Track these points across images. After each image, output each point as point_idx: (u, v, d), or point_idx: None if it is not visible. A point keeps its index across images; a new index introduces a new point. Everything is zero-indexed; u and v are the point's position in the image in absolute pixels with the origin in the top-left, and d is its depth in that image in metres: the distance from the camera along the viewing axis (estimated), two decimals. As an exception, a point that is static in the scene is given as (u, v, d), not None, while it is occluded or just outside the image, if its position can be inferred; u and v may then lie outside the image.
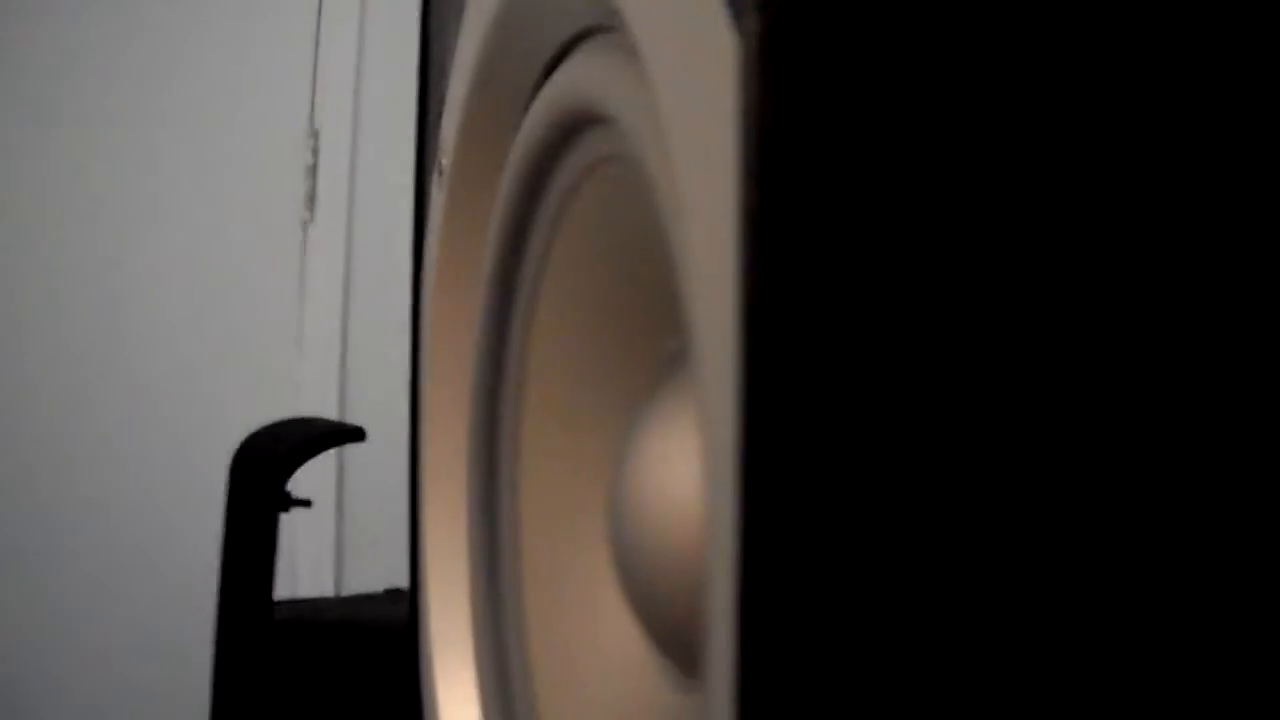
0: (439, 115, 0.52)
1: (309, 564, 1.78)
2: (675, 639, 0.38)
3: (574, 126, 0.38)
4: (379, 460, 1.62)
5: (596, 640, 0.42)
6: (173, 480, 1.74)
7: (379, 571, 1.46)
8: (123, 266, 1.79)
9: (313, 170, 1.85)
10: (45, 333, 1.77)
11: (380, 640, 1.01)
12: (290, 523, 1.31)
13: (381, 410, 1.57)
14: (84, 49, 1.81)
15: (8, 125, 1.79)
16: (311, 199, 1.85)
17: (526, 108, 0.43)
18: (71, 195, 1.79)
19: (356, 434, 1.03)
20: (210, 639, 0.96)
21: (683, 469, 0.38)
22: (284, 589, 1.54)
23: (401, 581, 1.15)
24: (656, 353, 0.39)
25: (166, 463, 1.76)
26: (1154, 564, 0.21)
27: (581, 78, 0.37)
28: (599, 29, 0.36)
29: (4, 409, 1.75)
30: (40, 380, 1.76)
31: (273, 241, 1.84)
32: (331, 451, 1.62)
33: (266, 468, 0.98)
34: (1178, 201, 0.21)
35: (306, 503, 1.03)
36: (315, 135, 1.85)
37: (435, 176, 0.50)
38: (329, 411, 1.78)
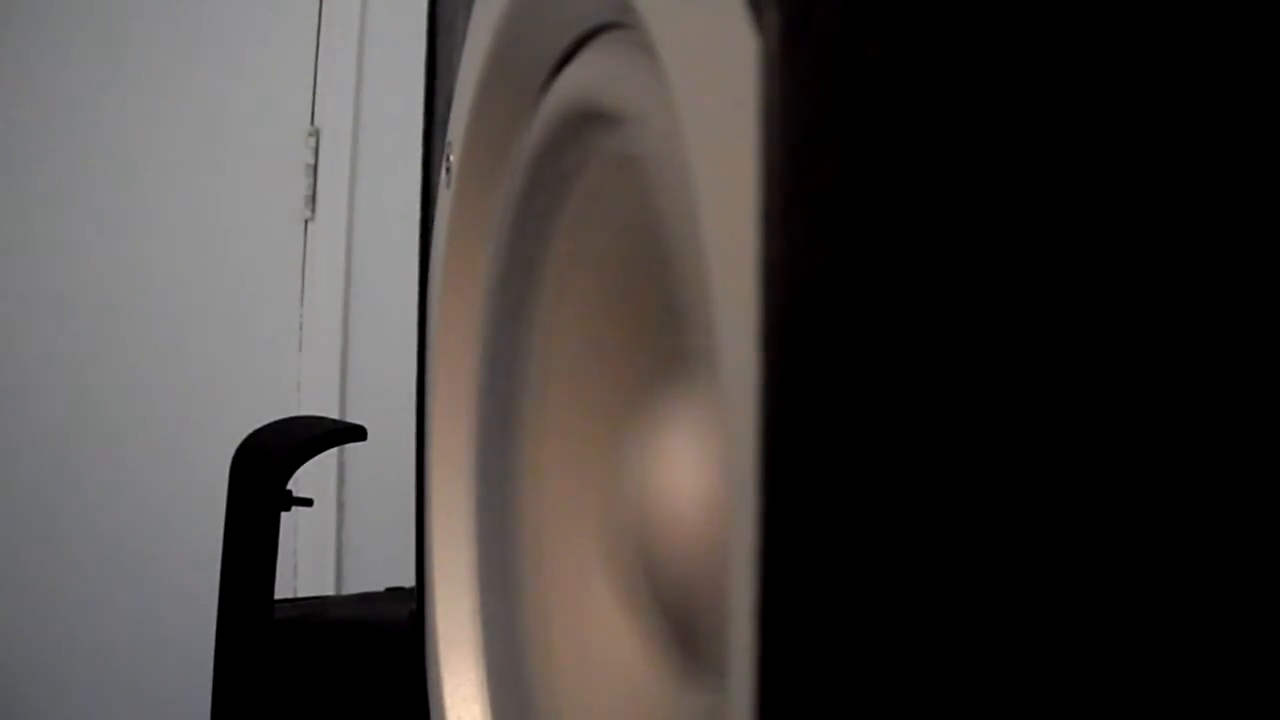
0: (445, 111, 0.51)
1: (310, 563, 1.78)
2: (681, 639, 0.38)
3: (584, 124, 0.38)
4: (380, 459, 1.62)
5: (603, 638, 0.42)
6: (174, 479, 1.74)
7: (380, 570, 1.46)
8: (123, 265, 1.79)
9: (313, 169, 1.85)
10: (46, 332, 1.77)
11: (381, 639, 1.00)
12: (291, 521, 1.31)
13: (382, 409, 1.57)
14: (84, 48, 1.81)
15: (8, 125, 1.79)
16: (312, 198, 1.85)
17: (536, 105, 0.43)
18: (72, 195, 1.79)
19: (358, 433, 1.03)
20: (211, 638, 0.96)
21: (692, 469, 0.38)
22: (285, 588, 1.54)
23: (402, 580, 1.15)
24: (666, 350, 0.39)
25: (167, 461, 1.75)
26: (1170, 570, 0.21)
27: (593, 75, 0.37)
28: (611, 25, 0.36)
29: (4, 408, 1.75)
30: (41, 379, 1.76)
31: (274, 240, 1.84)
32: (332, 450, 1.62)
33: (267, 466, 0.98)
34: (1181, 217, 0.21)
35: (308, 501, 1.03)
36: (316, 134, 1.85)
37: (442, 174, 0.50)
38: (330, 410, 1.78)
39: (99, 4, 1.82)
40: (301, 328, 1.84)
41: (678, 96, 0.25)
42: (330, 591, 1.74)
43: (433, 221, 0.53)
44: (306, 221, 1.85)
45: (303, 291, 1.84)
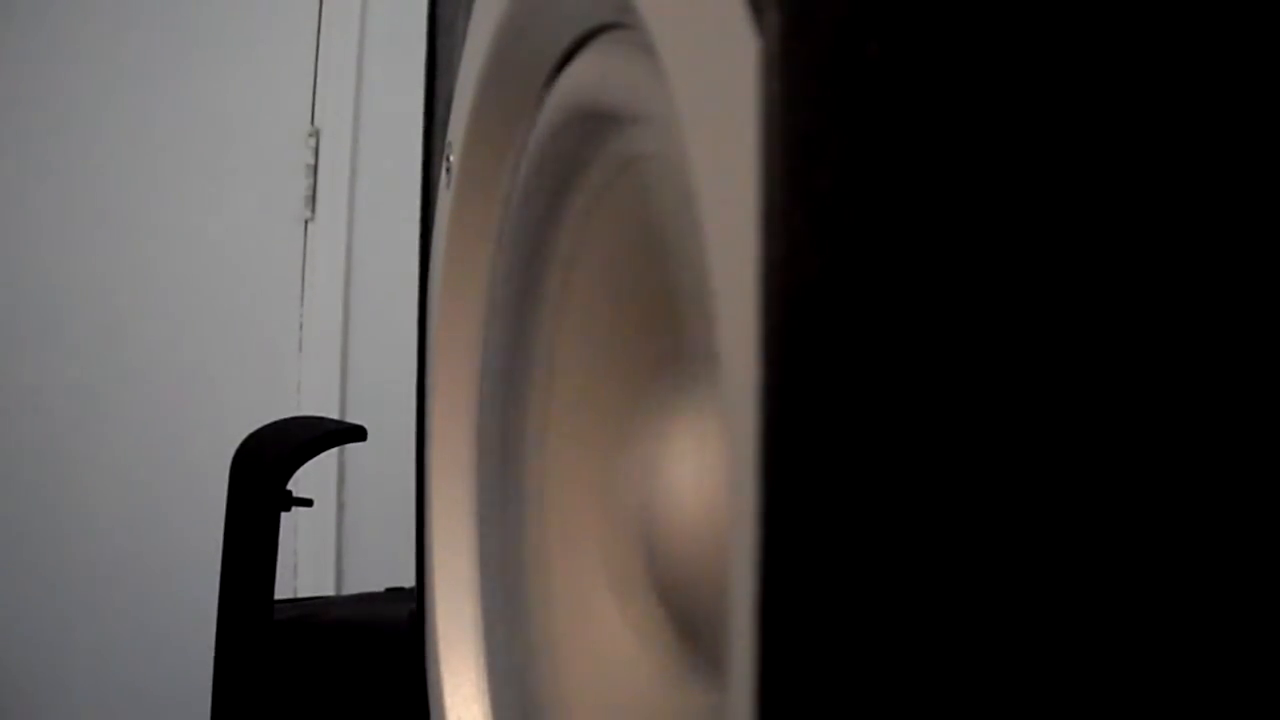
0: (445, 111, 0.51)
1: (310, 563, 1.78)
2: (682, 638, 0.38)
3: (585, 125, 0.38)
4: (380, 459, 1.62)
5: (603, 637, 0.42)
6: (174, 479, 1.74)
7: (380, 571, 1.46)
8: (124, 266, 1.79)
9: (313, 169, 1.85)
10: (47, 333, 1.77)
11: (381, 640, 1.00)
12: (291, 522, 1.31)
13: (382, 409, 1.57)
14: (84, 48, 1.81)
15: (8, 126, 1.79)
16: (312, 198, 1.85)
17: (536, 105, 0.43)
18: (72, 195, 1.79)
19: (358, 433, 1.03)
20: (211, 638, 0.96)
21: (693, 468, 0.38)
22: (284, 588, 1.54)
23: (402, 580, 1.15)
24: (667, 349, 0.39)
25: (168, 462, 1.76)
26: (1170, 572, 0.21)
27: (593, 75, 0.37)
28: (611, 25, 0.36)
29: (5, 409, 1.75)
30: (42, 380, 1.76)
31: (274, 240, 1.84)
32: (332, 450, 1.62)
33: (267, 467, 0.98)
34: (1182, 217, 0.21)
35: (308, 502, 1.03)
36: (316, 134, 1.85)
37: (443, 174, 0.50)
38: (330, 411, 1.78)
39: (99, 4, 1.82)
40: (301, 328, 1.84)
41: (678, 96, 0.25)
42: (330, 591, 1.74)
43: (433, 221, 0.53)
44: (306, 221, 1.85)
45: (303, 291, 1.84)
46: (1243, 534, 0.21)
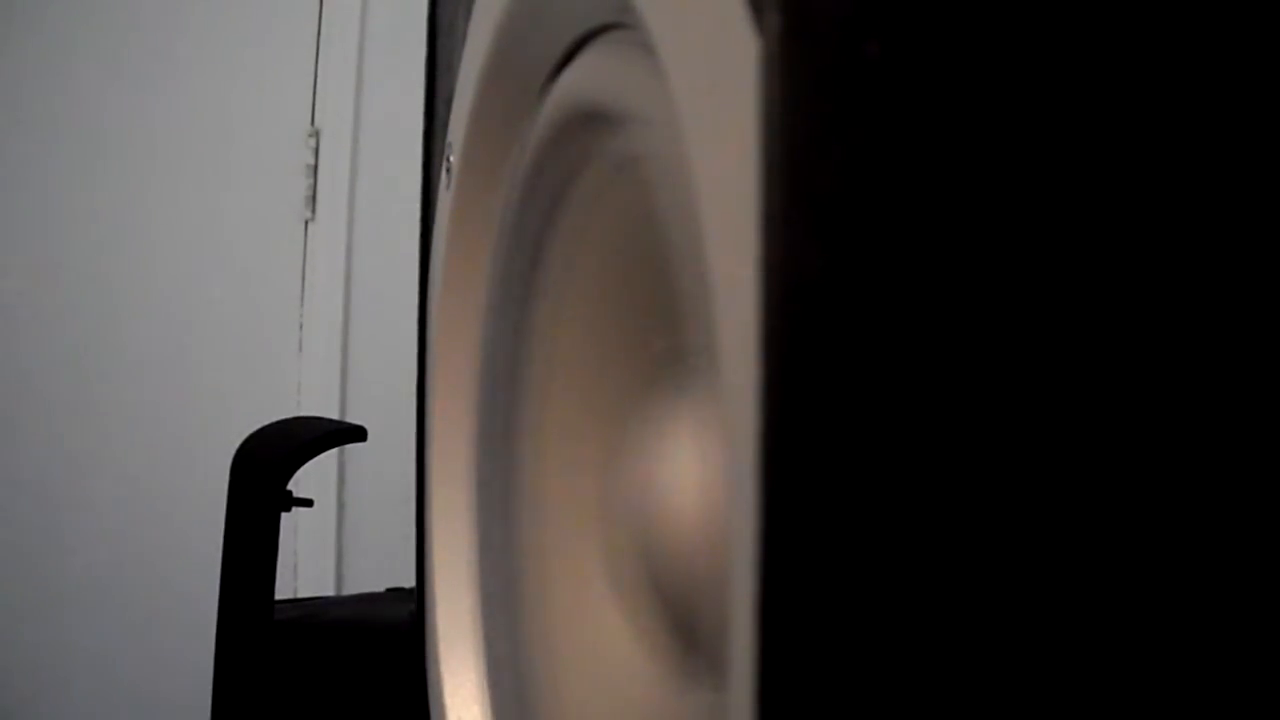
0: (445, 112, 0.51)
1: (310, 563, 1.78)
2: (681, 637, 0.38)
3: (585, 125, 0.38)
4: (380, 460, 1.63)
5: (603, 637, 0.42)
6: (174, 479, 1.74)
7: (380, 571, 1.46)
8: (124, 266, 1.79)
9: (314, 169, 1.85)
10: (46, 332, 1.77)
11: (381, 640, 1.00)
12: (291, 522, 1.31)
13: (383, 410, 1.57)
14: (84, 48, 1.81)
15: (8, 126, 1.79)
16: (313, 198, 1.85)
17: (536, 106, 0.43)
18: (72, 195, 1.79)
19: (358, 433, 1.03)
20: (211, 638, 0.96)
21: (693, 468, 0.38)
22: (285, 588, 1.54)
23: (403, 581, 1.15)
24: (667, 350, 0.39)
25: (168, 462, 1.76)
26: (1170, 572, 0.21)
27: (593, 76, 0.37)
28: (611, 26, 0.36)
29: (5, 409, 1.75)
30: (41, 380, 1.76)
31: (274, 241, 1.84)
32: (332, 450, 1.62)
33: (268, 467, 0.97)
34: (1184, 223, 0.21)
35: (308, 502, 1.03)
36: (316, 134, 1.85)
37: (442, 174, 0.50)
38: (330, 411, 1.78)
39: (99, 5, 1.82)
40: (301, 328, 1.84)
41: (678, 96, 0.25)
42: (330, 591, 1.74)
43: (433, 222, 0.53)
44: (306, 222, 1.85)
45: (303, 292, 1.84)
46: (1239, 533, 0.21)
